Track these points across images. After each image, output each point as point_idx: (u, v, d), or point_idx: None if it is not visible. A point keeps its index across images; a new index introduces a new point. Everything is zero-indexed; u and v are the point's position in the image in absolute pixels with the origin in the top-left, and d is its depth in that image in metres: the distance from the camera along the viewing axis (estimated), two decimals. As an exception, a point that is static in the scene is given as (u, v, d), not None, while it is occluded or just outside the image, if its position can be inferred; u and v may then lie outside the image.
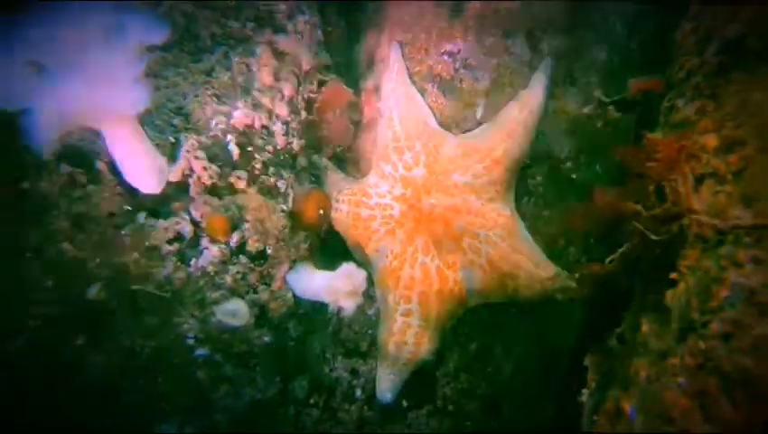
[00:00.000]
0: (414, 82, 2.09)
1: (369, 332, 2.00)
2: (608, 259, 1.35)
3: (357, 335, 2.01)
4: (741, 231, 0.92)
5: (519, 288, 1.83)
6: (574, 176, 2.06)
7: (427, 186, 1.81)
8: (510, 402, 1.99)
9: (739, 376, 0.79)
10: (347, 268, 1.76)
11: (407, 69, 2.11)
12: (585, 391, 1.31)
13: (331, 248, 2.02)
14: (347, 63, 2.31)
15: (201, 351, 1.82)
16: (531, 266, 1.82)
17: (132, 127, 1.35)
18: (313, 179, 2.08)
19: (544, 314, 1.99)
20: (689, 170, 1.08)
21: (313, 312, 2.01)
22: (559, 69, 2.06)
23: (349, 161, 2.21)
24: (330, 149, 2.16)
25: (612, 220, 1.31)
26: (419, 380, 1.94)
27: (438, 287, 1.77)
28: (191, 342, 1.80)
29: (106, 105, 1.15)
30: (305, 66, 1.91)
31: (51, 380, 1.84)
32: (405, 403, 1.93)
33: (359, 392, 1.96)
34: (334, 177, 2.09)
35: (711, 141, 1.08)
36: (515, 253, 1.81)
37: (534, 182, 2.04)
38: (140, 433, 2.01)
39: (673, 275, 1.05)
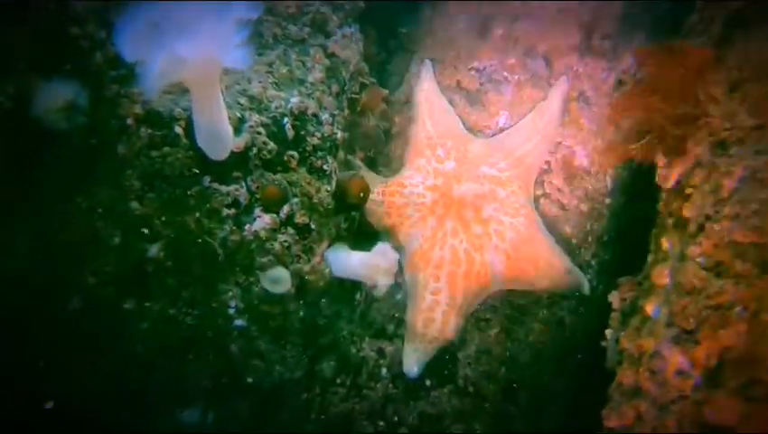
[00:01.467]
0: (443, 94, 2.33)
1: (396, 315, 2.13)
2: (633, 146, 1.48)
3: (384, 318, 2.13)
4: (745, 133, 1.10)
5: (539, 276, 1.99)
6: (589, 187, 2.26)
7: (458, 176, 2.00)
8: (527, 389, 2.10)
9: (748, 240, 0.95)
10: (382, 246, 1.92)
11: (437, 82, 2.35)
12: (607, 331, 1.44)
13: (362, 235, 2.18)
14: (379, 79, 2.56)
15: (239, 321, 1.94)
16: (550, 254, 1.99)
17: (217, 96, 1.55)
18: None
19: (560, 304, 2.14)
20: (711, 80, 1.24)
21: (343, 293, 2.15)
22: (573, 88, 2.31)
23: (380, 163, 2.41)
24: (363, 152, 2.37)
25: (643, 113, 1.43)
26: (442, 361, 2.06)
27: (466, 268, 1.93)
28: (231, 311, 1.92)
29: (211, 61, 1.35)
30: (351, 68, 2.14)
31: (93, 347, 1.94)
32: (428, 382, 2.04)
33: (384, 371, 2.07)
34: (367, 176, 2.27)
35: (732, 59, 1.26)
36: (536, 241, 1.99)
37: (550, 185, 2.24)
38: (163, 420, 2.09)
39: (688, 190, 1.21)
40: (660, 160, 1.46)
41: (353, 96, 2.17)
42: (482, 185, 1.97)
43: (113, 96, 1.72)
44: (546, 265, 1.98)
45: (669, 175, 1.40)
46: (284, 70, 1.96)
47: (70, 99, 1.68)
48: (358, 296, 2.21)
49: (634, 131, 1.46)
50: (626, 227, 2.35)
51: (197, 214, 1.75)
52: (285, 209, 1.85)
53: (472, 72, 2.36)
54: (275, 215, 1.83)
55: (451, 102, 2.33)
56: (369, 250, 2.10)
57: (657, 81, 1.38)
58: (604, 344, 1.49)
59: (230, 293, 1.88)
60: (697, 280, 1.02)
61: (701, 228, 1.09)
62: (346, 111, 2.14)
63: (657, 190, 1.54)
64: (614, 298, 1.48)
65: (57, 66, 1.63)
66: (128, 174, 1.73)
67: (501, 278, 1.98)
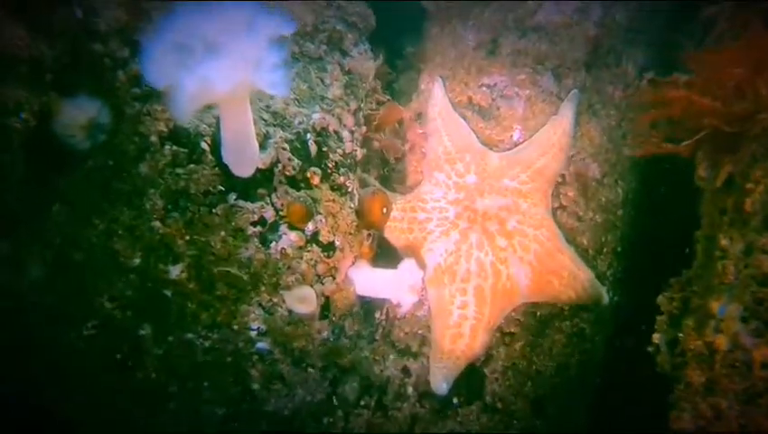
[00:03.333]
0: (455, 110, 2.34)
1: (419, 332, 2.10)
2: (684, 143, 1.48)
3: (407, 336, 2.10)
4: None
5: (562, 287, 1.99)
6: (602, 199, 2.29)
7: (481, 189, 2.00)
8: (553, 402, 2.08)
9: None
10: (408, 263, 1.89)
11: (448, 98, 2.36)
12: (656, 335, 1.43)
13: (383, 253, 2.15)
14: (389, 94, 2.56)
15: (261, 344, 1.88)
16: (574, 266, 1.99)
17: (247, 112, 1.52)
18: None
19: (580, 315, 2.13)
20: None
21: (366, 313, 2.11)
22: (582, 100, 2.35)
23: (394, 181, 2.40)
24: (376, 170, 2.36)
25: (686, 115, 1.44)
26: (469, 377, 2.02)
27: (493, 282, 1.92)
28: (253, 333, 1.87)
29: (243, 85, 1.32)
30: (367, 86, 2.14)
31: (106, 373, 1.87)
32: (455, 400, 2.00)
33: (410, 390, 2.03)
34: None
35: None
36: (559, 253, 1.99)
37: (566, 197, 2.26)
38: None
39: (749, 186, 1.22)
40: (703, 160, 1.47)
41: (369, 112, 2.16)
42: (505, 198, 1.97)
43: (135, 114, 1.68)
44: (570, 277, 1.97)
45: (716, 175, 1.41)
46: (304, 87, 1.95)
47: (91, 117, 1.64)
48: (379, 314, 2.18)
49: (673, 128, 1.48)
50: (638, 237, 2.38)
51: (222, 233, 1.70)
52: (311, 226, 1.82)
53: (483, 88, 2.38)
54: (300, 233, 1.80)
55: (463, 118, 2.34)
56: (390, 267, 2.08)
57: (709, 84, 1.40)
58: (650, 349, 1.48)
59: (253, 314, 1.83)
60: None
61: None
62: (363, 128, 2.14)
63: (695, 191, 1.55)
64: (662, 301, 1.48)
65: (79, 83, 1.59)
66: (151, 194, 1.69)
67: (527, 291, 1.97)
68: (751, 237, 1.14)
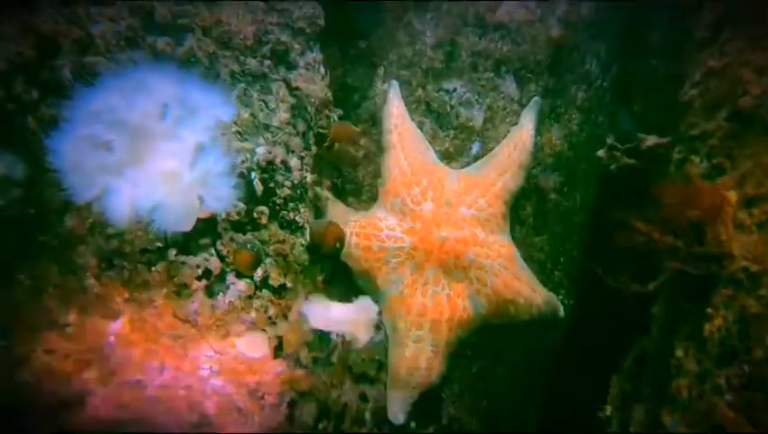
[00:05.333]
0: (412, 118, 2.21)
1: (377, 358, 2.08)
2: (651, 285, 1.49)
3: (364, 362, 2.08)
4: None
5: (518, 313, 1.98)
6: (561, 208, 2.25)
7: (437, 220, 1.93)
8: (508, 415, 2.13)
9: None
10: (363, 301, 1.85)
11: (404, 105, 2.22)
12: (606, 407, 1.46)
13: (338, 276, 2.08)
14: (342, 95, 2.40)
15: (214, 381, 1.84)
16: (530, 292, 1.98)
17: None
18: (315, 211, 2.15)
19: (531, 331, 2.15)
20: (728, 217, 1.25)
21: (320, 340, 2.07)
22: (544, 105, 2.25)
23: (348, 192, 2.29)
24: (329, 180, 2.24)
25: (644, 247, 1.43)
26: (425, 401, 2.04)
27: (449, 315, 1.89)
28: (205, 373, 1.81)
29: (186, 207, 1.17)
30: (316, 102, 1.98)
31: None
32: (413, 424, 2.02)
33: (368, 416, 2.03)
34: (336, 209, 2.16)
35: (733, 196, 1.28)
36: (516, 280, 1.96)
37: (525, 212, 2.21)
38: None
39: (709, 310, 1.22)
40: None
41: (320, 130, 2.02)
42: (462, 230, 1.90)
43: (55, 165, 1.51)
44: (525, 303, 1.97)
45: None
46: (246, 115, 1.78)
47: (1, 173, 1.46)
48: (335, 336, 2.14)
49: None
50: (593, 240, 2.38)
51: (164, 290, 1.60)
52: (260, 272, 1.73)
53: (442, 93, 2.25)
54: (249, 280, 1.71)
55: (420, 126, 2.22)
56: (345, 293, 2.03)
57: (673, 221, 1.35)
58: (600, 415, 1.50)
59: (204, 358, 1.77)
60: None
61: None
62: (313, 148, 2.00)
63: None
64: (614, 382, 1.49)
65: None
66: (81, 251, 1.55)
67: (483, 320, 1.96)
68: (706, 365, 1.13)
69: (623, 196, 1.83)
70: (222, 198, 1.16)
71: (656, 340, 1.45)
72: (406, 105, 2.22)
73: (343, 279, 2.07)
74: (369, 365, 2.09)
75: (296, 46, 1.96)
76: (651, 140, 1.91)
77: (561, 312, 2.11)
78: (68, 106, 1.09)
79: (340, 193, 2.28)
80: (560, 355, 2.29)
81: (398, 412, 1.93)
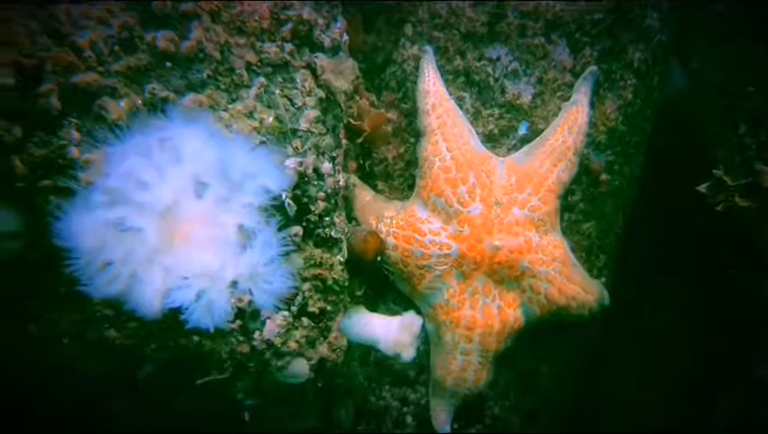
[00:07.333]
0: (450, 93, 1.92)
1: (417, 361, 1.97)
2: None
3: (404, 364, 1.97)
4: None
5: (570, 316, 1.86)
6: (609, 187, 2.05)
7: (488, 225, 1.72)
8: (548, 411, 2.08)
9: None
10: (406, 319, 1.70)
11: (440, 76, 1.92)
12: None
13: (373, 279, 1.91)
14: (362, 56, 2.07)
15: (250, 401, 1.73)
16: (583, 295, 1.85)
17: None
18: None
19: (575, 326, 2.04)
20: None
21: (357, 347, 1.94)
22: (599, 74, 1.97)
23: (377, 175, 2.04)
24: (355, 161, 1.99)
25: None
26: (468, 402, 1.97)
27: (500, 328, 1.76)
28: (240, 395, 1.70)
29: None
30: (346, 88, 1.69)
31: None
32: (455, 425, 1.96)
33: (410, 419, 1.97)
34: (364, 197, 1.93)
35: None
36: (570, 284, 1.81)
37: (574, 198, 2.01)
38: None
39: None
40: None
41: (350, 121, 1.75)
42: (516, 237, 1.71)
43: (54, 208, 1.25)
44: (578, 306, 1.85)
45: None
46: (270, 120, 1.50)
47: (-5, 232, 1.22)
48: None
49: None
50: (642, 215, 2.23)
51: (195, 338, 1.42)
52: (298, 299, 1.55)
53: (484, 62, 1.95)
54: (286, 312, 1.53)
55: (459, 103, 1.94)
56: (384, 298, 1.88)
57: None
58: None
59: (240, 384, 1.64)
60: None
61: None
62: (344, 143, 1.74)
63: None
64: None
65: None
66: (94, 302, 1.34)
67: (533, 325, 1.83)
68: None
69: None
70: (274, 292, 0.95)
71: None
72: (441, 76, 1.92)
73: (381, 282, 1.90)
74: (408, 367, 1.99)
75: (320, 21, 1.62)
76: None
77: (607, 300, 1.98)
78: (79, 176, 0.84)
79: (368, 176, 2.04)
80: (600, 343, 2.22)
81: (444, 423, 1.86)
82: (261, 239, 0.93)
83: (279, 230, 1.46)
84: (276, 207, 1.18)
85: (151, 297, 0.91)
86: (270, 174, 0.92)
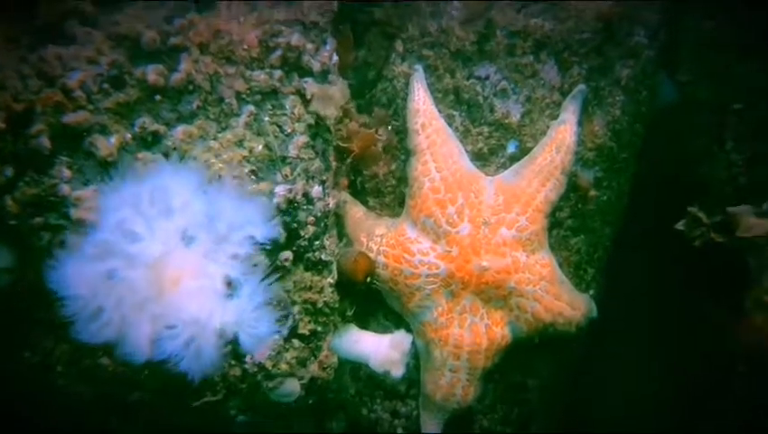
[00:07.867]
0: (439, 111, 1.94)
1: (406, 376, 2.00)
2: None
3: (394, 379, 2.00)
4: None
5: (557, 332, 1.89)
6: (597, 203, 2.07)
7: (476, 245, 1.75)
8: (537, 421, 2.13)
9: None
10: (396, 337, 1.73)
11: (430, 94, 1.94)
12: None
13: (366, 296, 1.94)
14: (353, 72, 2.09)
15: (242, 417, 1.77)
16: (570, 311, 1.88)
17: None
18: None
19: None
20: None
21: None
22: (587, 91, 1.99)
23: (368, 192, 2.06)
24: (346, 177, 2.01)
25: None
26: (457, 414, 2.01)
27: (487, 346, 1.79)
28: (233, 412, 1.74)
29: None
30: (335, 112, 1.71)
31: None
32: (445, 438, 2.00)
33: (400, 431, 2.01)
34: (356, 213, 1.96)
35: None
36: (557, 301, 1.85)
37: (562, 214, 2.03)
38: None
39: None
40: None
41: (339, 143, 1.77)
42: (503, 257, 1.74)
43: (46, 244, 1.28)
44: (565, 323, 1.88)
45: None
46: (260, 148, 1.52)
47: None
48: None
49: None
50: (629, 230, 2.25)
51: (187, 364, 1.45)
52: (288, 322, 1.58)
53: (473, 81, 1.96)
54: (276, 335, 1.56)
55: (449, 121, 1.96)
56: (374, 314, 1.92)
57: None
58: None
59: (232, 403, 1.68)
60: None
61: None
62: (334, 165, 1.76)
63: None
64: None
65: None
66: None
67: (520, 342, 1.87)
68: None
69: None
70: (261, 337, 0.98)
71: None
72: (431, 95, 1.94)
73: (373, 298, 1.93)
74: (398, 382, 2.03)
75: (309, 46, 1.64)
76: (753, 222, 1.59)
77: (595, 313, 2.02)
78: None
79: (359, 192, 2.06)
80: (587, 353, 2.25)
81: (432, 431, 1.90)
82: (247, 288, 0.96)
83: (269, 255, 1.49)
84: (264, 246, 1.21)
85: (141, 343, 0.94)
86: (256, 223, 0.94)
